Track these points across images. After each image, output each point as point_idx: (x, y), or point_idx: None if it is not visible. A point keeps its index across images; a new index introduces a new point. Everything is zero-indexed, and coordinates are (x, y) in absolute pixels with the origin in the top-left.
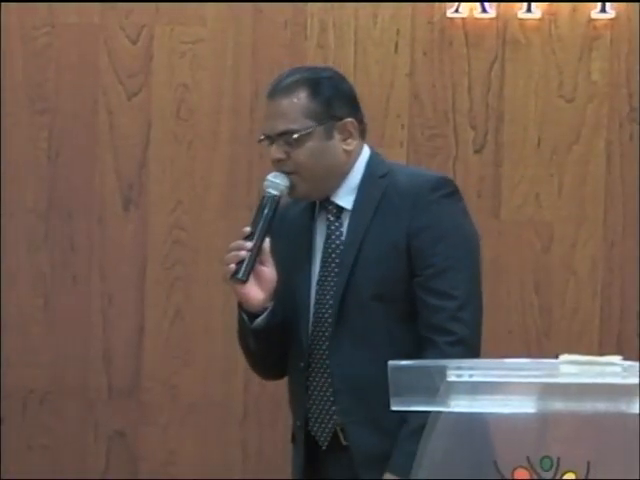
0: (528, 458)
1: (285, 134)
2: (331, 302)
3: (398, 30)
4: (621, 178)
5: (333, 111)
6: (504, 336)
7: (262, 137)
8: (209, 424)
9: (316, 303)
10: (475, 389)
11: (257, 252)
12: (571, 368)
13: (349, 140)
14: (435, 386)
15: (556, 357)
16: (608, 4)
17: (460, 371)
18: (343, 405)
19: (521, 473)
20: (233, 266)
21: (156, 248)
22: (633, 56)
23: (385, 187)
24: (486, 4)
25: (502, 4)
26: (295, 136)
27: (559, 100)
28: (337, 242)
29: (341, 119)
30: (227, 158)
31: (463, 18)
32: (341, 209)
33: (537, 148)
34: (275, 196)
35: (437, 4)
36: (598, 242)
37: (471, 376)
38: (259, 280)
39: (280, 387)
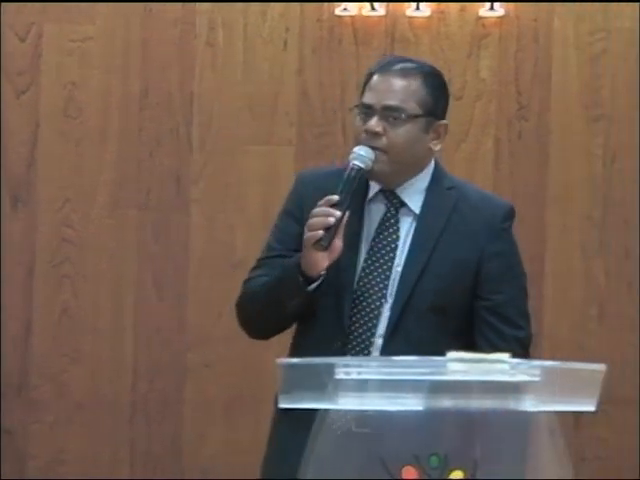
0: (416, 455)
1: (393, 109)
2: (379, 295)
3: (287, 28)
4: (510, 176)
5: (437, 108)
6: None
7: (360, 105)
8: (97, 422)
9: (359, 289)
10: (363, 387)
11: (340, 221)
12: (459, 366)
13: (436, 141)
14: (324, 384)
15: (444, 355)
16: (497, 2)
17: (348, 369)
18: None
19: (409, 471)
20: (321, 232)
21: (44, 246)
22: (522, 54)
23: (455, 200)
24: (375, 2)
25: (391, 2)
26: (403, 115)
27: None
28: (393, 236)
29: (440, 119)
30: (116, 156)
31: (352, 16)
32: (402, 205)
33: None
34: (361, 169)
35: (326, 3)
36: None
37: (359, 374)
38: (329, 249)
39: (168, 384)
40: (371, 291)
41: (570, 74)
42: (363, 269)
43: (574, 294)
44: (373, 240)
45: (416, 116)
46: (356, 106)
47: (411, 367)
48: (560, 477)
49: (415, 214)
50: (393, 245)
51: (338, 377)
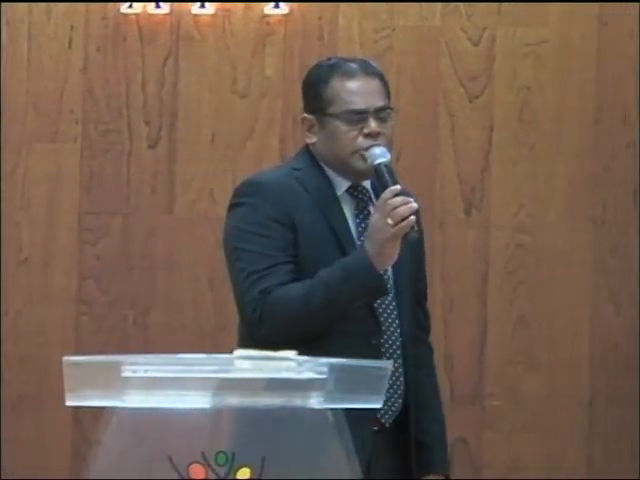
0: (203, 453)
1: (384, 109)
2: (388, 286)
3: (72, 26)
4: None
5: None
6: (178, 331)
7: (351, 112)
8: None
9: None
10: (150, 384)
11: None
12: (246, 363)
13: None
14: (111, 381)
15: (231, 352)
16: (282, 1)
17: (135, 366)
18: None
19: (196, 469)
20: (414, 217)
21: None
22: (307, 52)
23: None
24: (160, 1)
25: (176, 2)
26: (390, 112)
27: (233, 96)
28: None
29: None
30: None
31: (137, 14)
32: (369, 197)
33: (211, 144)
34: (388, 164)
35: (111, 2)
36: None
37: (146, 371)
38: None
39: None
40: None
41: None
42: None
43: None
44: (362, 235)
45: (392, 109)
46: (348, 113)
47: (198, 365)
48: (347, 475)
49: (373, 202)
50: None
51: (125, 375)
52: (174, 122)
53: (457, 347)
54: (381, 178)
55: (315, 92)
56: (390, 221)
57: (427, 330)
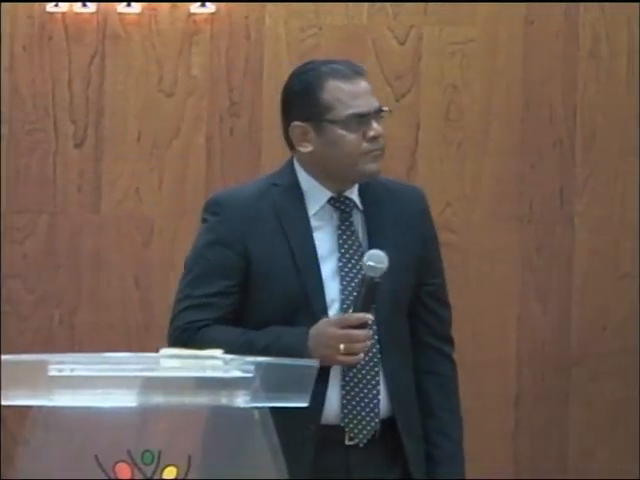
0: (129, 452)
1: (381, 110)
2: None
3: None
4: (221, 172)
5: None
6: (105, 330)
7: (356, 115)
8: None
9: (345, 299)
10: (77, 383)
11: None
12: (172, 362)
13: None
14: (37, 380)
15: (157, 351)
16: (208, 1)
17: (62, 365)
18: (392, 405)
19: (122, 467)
20: (362, 356)
21: None
22: (233, 50)
23: (384, 193)
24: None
25: (102, 2)
26: (384, 113)
27: (159, 94)
28: (358, 239)
29: None
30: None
31: (63, 13)
32: (354, 206)
33: (137, 143)
34: (375, 280)
35: (37, 2)
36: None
37: (72, 370)
38: None
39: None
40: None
41: (282, 70)
42: (343, 278)
43: None
44: (342, 248)
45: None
46: (352, 117)
47: (125, 363)
48: (273, 475)
49: (361, 211)
50: (361, 249)
51: (51, 374)
52: (100, 121)
53: None
54: (360, 289)
55: (309, 98)
56: (342, 348)
57: (440, 336)
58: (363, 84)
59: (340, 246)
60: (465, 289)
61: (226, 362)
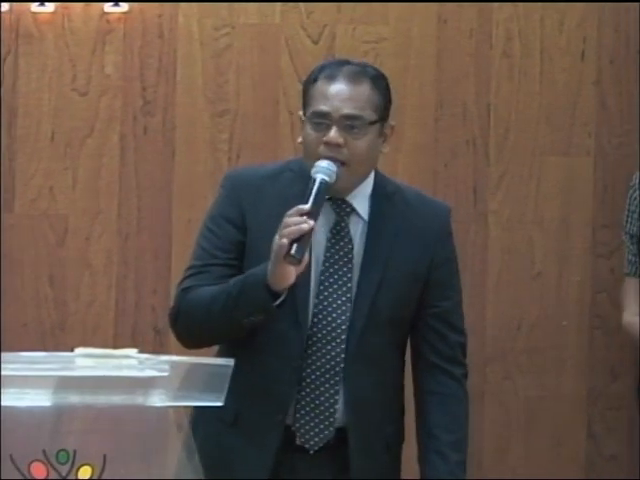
0: (44, 451)
1: (353, 118)
2: (343, 308)
3: None
4: (135, 171)
5: (386, 110)
6: (19, 329)
7: (313, 114)
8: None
9: (320, 303)
10: None
11: (311, 233)
12: (87, 361)
13: (385, 144)
14: None
15: (72, 350)
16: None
17: None
18: (347, 418)
19: (37, 467)
20: (285, 241)
21: None
22: (147, 49)
23: (400, 206)
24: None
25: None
26: (362, 124)
27: (73, 93)
28: (349, 247)
29: (387, 120)
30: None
31: None
32: (352, 211)
33: (51, 142)
34: (328, 182)
35: None
36: (112, 235)
37: None
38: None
39: None
40: (334, 305)
41: (195, 69)
42: (322, 282)
43: None
44: (328, 251)
45: (373, 123)
46: (313, 115)
47: (39, 363)
48: (189, 474)
49: (364, 221)
50: (350, 256)
51: None
52: (14, 120)
53: None
54: (308, 192)
55: (303, 92)
56: (277, 238)
57: (447, 358)
58: (344, 87)
59: (327, 249)
60: None
61: (141, 361)
